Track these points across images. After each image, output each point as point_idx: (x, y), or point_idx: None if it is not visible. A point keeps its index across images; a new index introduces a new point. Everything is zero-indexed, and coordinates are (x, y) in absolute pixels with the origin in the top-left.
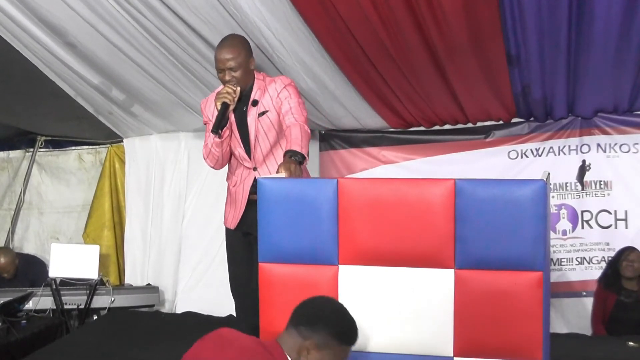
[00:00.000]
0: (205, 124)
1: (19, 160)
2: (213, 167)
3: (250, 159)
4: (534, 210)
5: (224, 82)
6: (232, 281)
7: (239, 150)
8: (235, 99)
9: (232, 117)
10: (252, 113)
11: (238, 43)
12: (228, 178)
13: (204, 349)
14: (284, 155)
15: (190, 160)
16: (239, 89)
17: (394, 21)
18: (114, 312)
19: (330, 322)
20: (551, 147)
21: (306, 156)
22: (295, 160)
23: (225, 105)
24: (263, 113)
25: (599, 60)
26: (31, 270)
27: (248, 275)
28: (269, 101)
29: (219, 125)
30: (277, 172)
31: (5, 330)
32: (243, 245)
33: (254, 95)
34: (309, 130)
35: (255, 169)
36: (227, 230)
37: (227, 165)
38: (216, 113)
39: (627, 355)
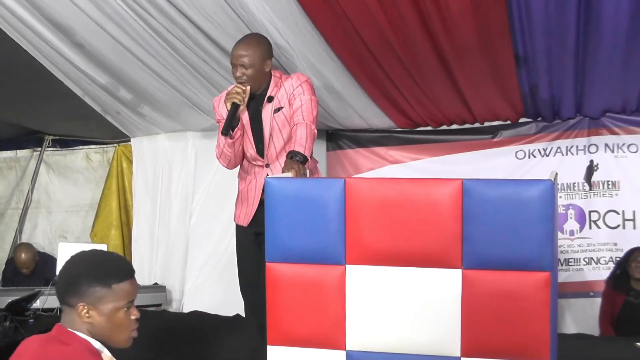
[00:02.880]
0: (218, 122)
1: (27, 159)
2: (226, 167)
3: (262, 157)
4: (541, 211)
5: (235, 78)
6: (241, 280)
7: (250, 152)
8: (246, 99)
9: (245, 117)
10: (267, 109)
11: (255, 42)
12: (240, 178)
13: None
14: (286, 156)
15: (197, 159)
16: (248, 88)
17: (401, 21)
18: None
19: (81, 273)
20: (559, 147)
21: (309, 157)
22: (297, 161)
23: (235, 106)
24: (278, 109)
25: (607, 61)
26: (48, 268)
27: (257, 275)
28: (284, 97)
29: (229, 127)
30: (283, 172)
31: (13, 329)
32: (253, 244)
33: (270, 92)
34: (315, 131)
35: (267, 165)
36: (238, 228)
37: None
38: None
39: (634, 356)
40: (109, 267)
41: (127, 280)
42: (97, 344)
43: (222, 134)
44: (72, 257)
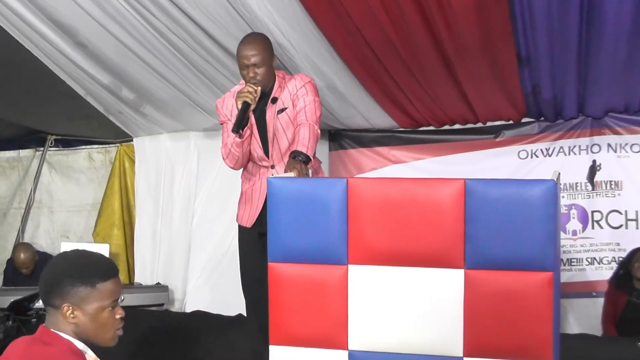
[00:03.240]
0: (221, 124)
1: (29, 159)
2: (232, 168)
3: (268, 157)
4: (544, 210)
5: (247, 80)
6: (244, 281)
7: (258, 151)
8: (256, 99)
9: (252, 118)
10: (271, 110)
11: (261, 40)
12: (245, 178)
13: None
14: (289, 156)
15: (199, 159)
16: (259, 88)
17: (404, 21)
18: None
19: (64, 274)
20: (561, 147)
21: (311, 157)
22: (300, 161)
23: (246, 105)
24: (282, 110)
25: (609, 60)
26: None
27: (260, 275)
28: (288, 97)
29: (240, 125)
30: (285, 172)
31: (16, 329)
32: (257, 245)
33: (274, 93)
34: (318, 131)
35: (273, 166)
36: (241, 229)
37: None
38: (235, 113)
39: (637, 356)
40: (92, 267)
41: (111, 279)
42: (80, 345)
43: (233, 131)
44: (55, 258)
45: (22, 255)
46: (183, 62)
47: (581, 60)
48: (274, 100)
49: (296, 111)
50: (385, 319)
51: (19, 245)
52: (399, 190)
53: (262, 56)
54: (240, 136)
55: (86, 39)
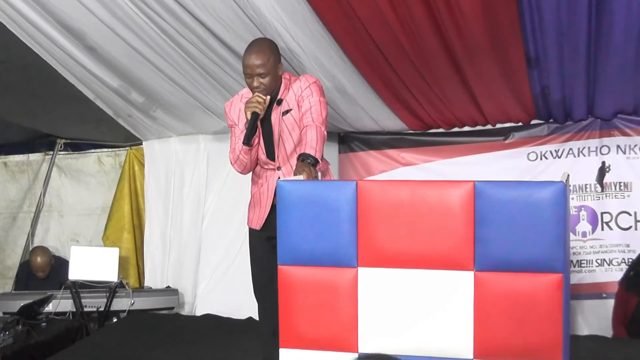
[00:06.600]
0: (230, 127)
1: (39, 163)
2: (240, 172)
3: (273, 160)
4: (553, 212)
5: (252, 88)
6: (255, 283)
7: (262, 157)
8: (265, 108)
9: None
10: (276, 112)
11: (267, 48)
12: (253, 182)
13: None
14: (297, 158)
15: (209, 162)
16: (268, 97)
17: (413, 23)
18: (133, 315)
19: None
20: (571, 149)
21: (319, 159)
22: (308, 164)
23: (255, 115)
24: (287, 112)
25: (618, 62)
26: (63, 272)
27: (270, 278)
28: (293, 99)
29: (250, 137)
30: (294, 175)
31: (25, 333)
32: (266, 248)
33: (280, 95)
34: (325, 132)
35: (279, 168)
36: (251, 231)
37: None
38: (243, 118)
39: None
40: None
41: None
42: None
43: (244, 144)
44: None
45: (38, 259)
46: (192, 65)
47: (590, 62)
48: (279, 102)
49: (302, 112)
50: (396, 322)
51: (36, 248)
52: (409, 192)
53: (266, 67)
54: (250, 146)
55: (95, 42)
